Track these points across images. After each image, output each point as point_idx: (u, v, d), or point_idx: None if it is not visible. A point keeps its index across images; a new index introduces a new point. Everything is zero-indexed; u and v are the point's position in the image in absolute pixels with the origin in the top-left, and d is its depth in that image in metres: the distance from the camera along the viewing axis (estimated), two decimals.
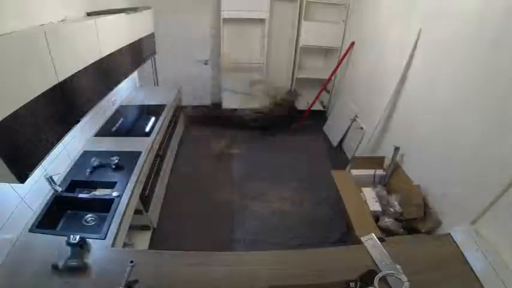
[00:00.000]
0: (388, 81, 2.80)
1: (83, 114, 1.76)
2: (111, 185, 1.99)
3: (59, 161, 2.02)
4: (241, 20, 4.12)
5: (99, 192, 1.96)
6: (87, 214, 1.89)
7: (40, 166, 1.45)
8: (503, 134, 1.55)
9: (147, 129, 2.82)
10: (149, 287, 1.34)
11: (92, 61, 1.84)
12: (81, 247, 1.42)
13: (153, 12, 3.30)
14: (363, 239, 1.62)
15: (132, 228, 2.09)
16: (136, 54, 2.80)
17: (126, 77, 2.61)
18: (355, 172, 2.56)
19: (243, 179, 3.34)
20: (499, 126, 1.58)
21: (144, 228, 2.52)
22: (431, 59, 2.25)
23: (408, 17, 2.57)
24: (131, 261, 1.41)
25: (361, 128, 3.34)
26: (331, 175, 2.60)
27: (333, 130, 4.09)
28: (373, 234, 1.63)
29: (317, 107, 4.77)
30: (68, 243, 1.39)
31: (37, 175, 1.73)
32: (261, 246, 2.52)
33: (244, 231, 2.67)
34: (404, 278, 1.36)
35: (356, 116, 3.54)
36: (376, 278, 1.36)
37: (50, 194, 1.85)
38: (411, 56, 2.48)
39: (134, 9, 2.64)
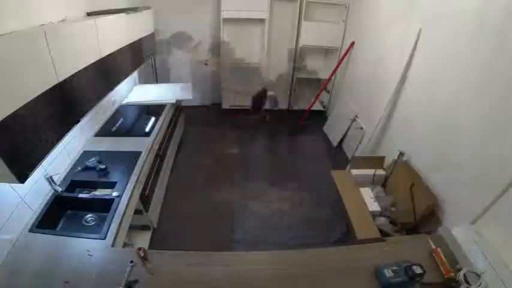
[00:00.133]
0: (388, 81, 2.80)
1: (83, 114, 1.76)
2: (111, 185, 1.99)
3: (59, 161, 2.02)
4: (241, 20, 4.12)
5: (99, 192, 1.96)
6: (87, 214, 1.89)
7: (40, 166, 1.45)
8: (503, 134, 1.55)
9: (147, 129, 2.82)
10: (149, 286, 1.34)
11: (92, 61, 1.84)
12: None
13: (153, 12, 3.29)
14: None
15: (132, 228, 2.09)
16: (136, 54, 2.80)
17: (126, 77, 2.61)
18: (355, 172, 2.56)
19: (242, 179, 3.34)
20: (499, 126, 1.58)
21: (144, 228, 2.52)
22: (432, 59, 2.24)
23: (408, 17, 2.57)
24: (131, 261, 1.41)
25: (361, 128, 3.34)
26: (331, 175, 2.60)
27: (333, 130, 4.09)
28: None
29: (317, 107, 4.77)
30: None
31: (37, 175, 1.73)
32: (261, 246, 2.52)
33: (244, 231, 2.67)
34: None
35: (356, 116, 3.54)
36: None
37: (50, 194, 1.85)
38: (411, 56, 2.48)
39: (134, 9, 2.64)
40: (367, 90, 3.39)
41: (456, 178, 1.89)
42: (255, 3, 3.99)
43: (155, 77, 4.49)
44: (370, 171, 2.54)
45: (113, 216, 1.74)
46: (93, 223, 1.85)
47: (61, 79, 1.48)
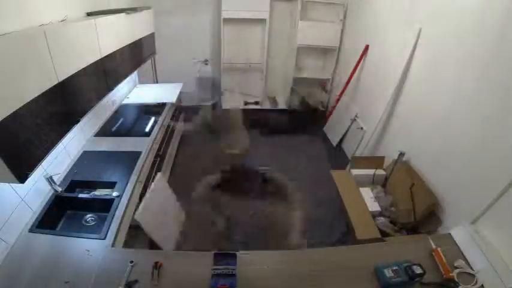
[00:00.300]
0: (388, 81, 2.80)
1: (83, 114, 1.76)
2: (111, 185, 1.99)
3: (59, 161, 2.02)
4: (241, 20, 4.12)
5: (99, 192, 1.96)
6: (87, 214, 1.89)
7: (40, 166, 1.45)
8: (503, 134, 1.55)
9: (147, 129, 2.83)
10: (149, 286, 1.34)
11: (92, 61, 1.83)
12: None
13: (153, 12, 3.29)
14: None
15: (132, 228, 2.08)
16: (136, 54, 2.80)
17: (126, 77, 2.61)
18: (355, 172, 2.56)
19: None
20: (499, 126, 1.58)
21: None
22: (432, 59, 2.24)
23: (408, 17, 2.57)
24: (131, 261, 1.41)
25: (361, 128, 3.34)
26: (330, 175, 2.60)
27: (333, 130, 4.09)
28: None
29: (317, 107, 4.77)
30: None
31: (37, 175, 1.73)
32: (261, 246, 2.52)
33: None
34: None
35: (356, 116, 3.54)
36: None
37: (50, 194, 1.85)
38: (411, 56, 2.47)
39: (134, 9, 2.64)
40: (367, 90, 3.39)
41: (456, 178, 1.89)
42: (255, 3, 3.99)
43: (155, 77, 4.49)
44: (370, 171, 2.54)
45: (113, 216, 1.75)
46: (93, 223, 1.86)
47: (61, 79, 1.47)
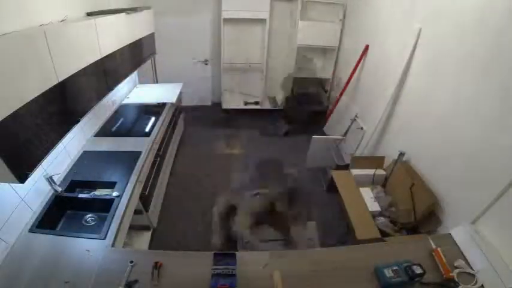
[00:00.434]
0: (388, 81, 2.80)
1: (83, 114, 1.76)
2: (111, 185, 1.99)
3: (59, 161, 2.03)
4: (241, 20, 4.12)
5: (99, 192, 1.96)
6: (87, 214, 1.89)
7: (40, 166, 1.45)
8: (503, 134, 1.55)
9: (147, 129, 2.83)
10: (149, 286, 1.34)
11: (92, 61, 1.83)
12: None
13: (153, 12, 3.29)
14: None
15: (132, 228, 2.09)
16: (136, 54, 2.80)
17: (126, 77, 2.61)
18: (354, 172, 2.56)
19: (242, 179, 3.34)
20: (500, 127, 1.58)
21: (144, 228, 2.52)
22: (432, 59, 2.24)
23: (408, 16, 2.57)
24: (131, 261, 1.41)
25: (361, 128, 3.34)
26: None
27: (333, 130, 4.09)
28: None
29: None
30: None
31: (37, 175, 1.73)
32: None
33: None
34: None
35: (356, 116, 3.54)
36: None
37: (50, 194, 1.85)
38: (411, 56, 2.47)
39: (134, 9, 2.64)
40: (367, 90, 3.39)
41: (456, 178, 1.89)
42: (256, 3, 4.00)
43: (155, 77, 4.49)
44: (370, 171, 2.54)
45: (113, 216, 1.75)
46: (93, 223, 1.86)
47: (61, 79, 1.47)
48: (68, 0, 2.02)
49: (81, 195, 1.90)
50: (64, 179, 2.02)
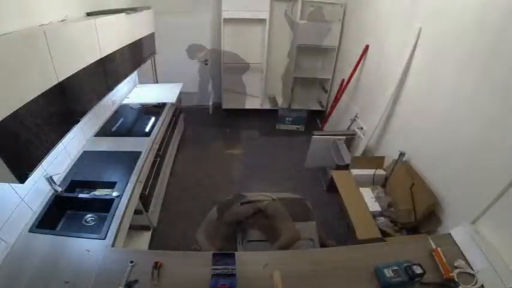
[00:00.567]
0: (389, 81, 2.80)
1: (83, 114, 1.76)
2: (111, 185, 1.99)
3: (59, 161, 2.03)
4: (241, 20, 4.12)
5: (99, 192, 1.96)
6: (87, 214, 1.89)
7: (40, 166, 1.45)
8: (503, 134, 1.55)
9: (147, 129, 2.83)
10: (149, 286, 1.34)
11: (92, 61, 1.83)
12: None
13: (153, 12, 3.29)
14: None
15: (132, 228, 2.09)
16: (136, 54, 2.80)
17: (126, 77, 2.61)
18: (354, 172, 2.56)
19: (242, 179, 3.34)
20: (500, 126, 1.58)
21: (144, 228, 2.52)
22: (432, 59, 2.24)
23: (408, 16, 2.56)
24: (131, 261, 1.41)
25: (361, 128, 3.34)
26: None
27: (333, 130, 4.09)
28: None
29: (316, 106, 4.78)
30: None
31: (37, 175, 1.73)
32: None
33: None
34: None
35: (356, 116, 3.54)
36: None
37: (50, 194, 1.85)
38: (411, 56, 2.47)
39: (134, 9, 2.64)
40: (367, 90, 3.39)
41: (456, 178, 1.89)
42: (256, 3, 4.00)
43: (155, 77, 4.49)
44: (370, 171, 2.54)
45: (113, 216, 1.75)
46: (93, 223, 1.86)
47: (61, 79, 1.47)
48: (68, 0, 2.02)
49: (81, 195, 1.90)
50: (64, 179, 2.02)
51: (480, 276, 1.41)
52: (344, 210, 2.27)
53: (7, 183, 1.43)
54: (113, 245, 1.58)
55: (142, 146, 2.49)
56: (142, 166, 2.25)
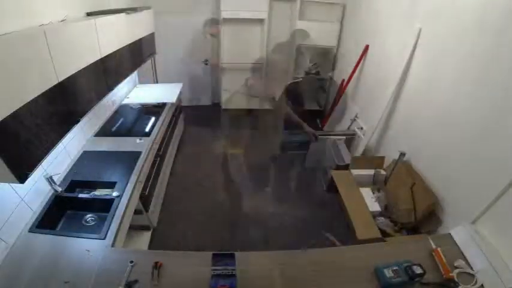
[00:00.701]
0: (389, 81, 2.80)
1: (82, 114, 1.76)
2: (111, 185, 1.99)
3: (59, 161, 2.03)
4: (240, 20, 4.12)
5: (99, 192, 1.96)
6: (87, 214, 1.89)
7: (40, 166, 1.45)
8: (503, 134, 1.55)
9: (147, 129, 2.83)
10: (149, 286, 1.34)
11: (92, 61, 1.84)
12: None
13: (153, 12, 3.29)
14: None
15: (132, 228, 2.09)
16: (136, 54, 2.80)
17: (126, 77, 2.61)
18: (355, 172, 2.56)
19: (242, 179, 3.34)
20: (499, 126, 1.58)
21: (144, 228, 2.52)
22: (431, 59, 2.24)
23: (408, 16, 2.57)
24: (131, 261, 1.41)
25: (361, 128, 3.34)
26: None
27: (333, 130, 4.09)
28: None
29: (315, 106, 4.78)
30: None
31: (37, 175, 1.73)
32: (261, 246, 2.52)
33: (243, 231, 2.67)
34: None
35: (356, 116, 3.54)
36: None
37: (50, 194, 1.85)
38: (411, 56, 2.47)
39: (134, 9, 2.64)
40: (367, 90, 3.39)
41: (456, 178, 1.89)
42: (255, 3, 4.00)
43: (155, 77, 4.49)
44: (370, 171, 2.54)
45: (113, 216, 1.74)
46: (93, 223, 1.85)
47: (61, 79, 1.47)
48: (68, 0, 2.02)
49: (81, 195, 1.90)
50: (64, 179, 2.02)
51: (480, 276, 1.41)
52: (344, 210, 2.27)
53: (7, 183, 1.43)
54: (112, 245, 1.58)
55: (142, 146, 2.49)
56: (142, 166, 2.25)
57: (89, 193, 1.94)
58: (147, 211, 2.41)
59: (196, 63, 4.62)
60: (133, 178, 2.08)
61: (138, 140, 2.56)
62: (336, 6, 4.03)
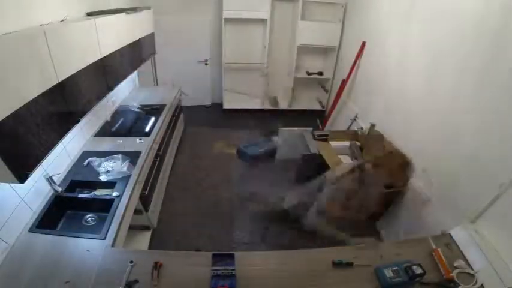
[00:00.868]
0: (388, 81, 2.81)
1: (82, 114, 1.76)
2: (111, 185, 1.99)
3: (59, 161, 2.02)
4: (242, 20, 4.12)
5: (99, 192, 1.96)
6: (87, 214, 1.89)
7: (40, 166, 1.45)
8: (503, 134, 1.55)
9: (147, 129, 2.83)
10: (149, 286, 1.34)
11: (92, 61, 1.84)
12: None
13: (153, 12, 3.29)
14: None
15: (132, 228, 2.09)
16: (136, 54, 2.81)
17: (126, 77, 2.62)
18: (333, 143, 2.90)
19: (242, 178, 3.34)
20: (499, 126, 1.58)
21: (144, 228, 2.52)
22: (432, 59, 2.24)
23: (408, 17, 2.57)
24: (131, 261, 1.41)
25: (361, 128, 3.34)
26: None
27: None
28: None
29: (316, 106, 4.78)
30: None
31: (37, 175, 1.73)
32: (261, 245, 2.52)
33: (243, 231, 2.67)
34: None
35: (356, 116, 3.54)
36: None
37: (50, 194, 1.85)
38: (411, 56, 2.47)
39: (134, 9, 2.64)
40: (367, 90, 3.39)
41: (456, 177, 1.89)
42: (257, 3, 4.00)
43: (155, 77, 4.49)
44: (346, 143, 2.90)
45: (113, 216, 1.74)
46: (93, 223, 1.85)
47: (61, 79, 1.48)
48: (68, 0, 2.02)
49: (81, 195, 1.90)
50: (64, 179, 2.02)
51: (480, 276, 1.41)
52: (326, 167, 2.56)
53: (7, 183, 1.43)
54: (113, 245, 1.58)
55: (142, 146, 2.49)
56: (142, 166, 2.25)
57: (88, 193, 1.94)
58: (147, 211, 2.41)
59: (196, 64, 4.62)
60: (133, 178, 2.08)
61: (138, 140, 2.57)
62: (337, 6, 4.04)
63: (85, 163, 2.17)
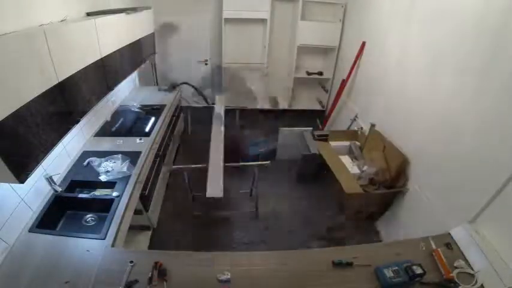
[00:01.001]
0: (388, 81, 2.80)
1: (82, 114, 1.76)
2: (111, 185, 1.99)
3: (59, 161, 2.02)
4: (242, 19, 4.12)
5: (99, 192, 1.96)
6: (87, 214, 1.89)
7: (40, 166, 1.45)
8: (502, 133, 1.55)
9: (147, 129, 2.83)
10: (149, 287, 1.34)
11: (92, 61, 1.84)
12: None
13: (153, 12, 3.29)
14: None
15: (132, 228, 2.08)
16: (136, 54, 2.80)
17: (126, 77, 2.62)
18: (333, 143, 2.98)
19: (242, 178, 3.33)
20: (498, 125, 1.58)
21: (144, 228, 2.52)
22: (432, 60, 2.24)
23: (408, 16, 2.57)
24: (131, 261, 1.41)
25: (361, 128, 3.34)
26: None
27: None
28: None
29: (316, 106, 4.77)
30: None
31: (37, 175, 1.73)
32: (261, 245, 2.52)
33: (244, 231, 2.67)
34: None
35: (356, 116, 3.54)
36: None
37: (50, 194, 1.85)
38: (411, 56, 2.47)
39: (134, 9, 2.64)
40: (367, 91, 3.39)
41: (456, 177, 1.90)
42: (257, 3, 4.00)
43: (155, 77, 4.49)
44: (346, 143, 3.01)
45: (113, 216, 1.74)
46: (93, 223, 1.85)
47: (61, 79, 1.48)
48: (68, 0, 2.02)
49: (81, 195, 1.90)
50: (64, 179, 2.02)
51: (480, 276, 1.42)
52: (328, 169, 2.67)
53: (7, 183, 1.43)
54: (112, 245, 1.58)
55: (142, 146, 2.49)
56: (142, 166, 2.25)
57: (88, 193, 1.94)
58: (147, 211, 2.41)
59: (196, 63, 4.61)
60: (133, 178, 2.08)
61: (138, 140, 2.57)
62: (337, 6, 4.03)
63: (85, 163, 2.17)
